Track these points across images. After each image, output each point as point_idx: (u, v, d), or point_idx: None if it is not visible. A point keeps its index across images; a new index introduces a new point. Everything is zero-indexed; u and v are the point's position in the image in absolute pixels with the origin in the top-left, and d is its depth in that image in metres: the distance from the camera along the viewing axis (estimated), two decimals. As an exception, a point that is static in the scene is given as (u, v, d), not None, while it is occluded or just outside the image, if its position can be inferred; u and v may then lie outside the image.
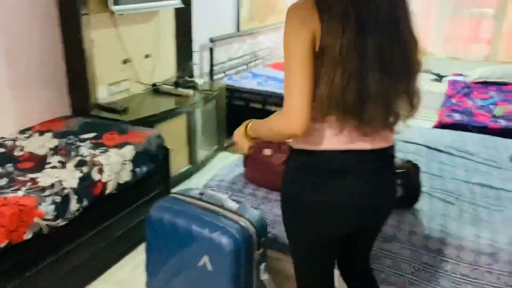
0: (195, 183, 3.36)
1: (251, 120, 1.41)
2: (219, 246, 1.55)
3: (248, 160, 2.32)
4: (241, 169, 2.39)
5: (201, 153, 3.53)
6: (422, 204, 2.07)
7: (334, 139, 1.21)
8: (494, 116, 3.43)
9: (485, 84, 4.28)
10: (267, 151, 2.17)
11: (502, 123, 3.27)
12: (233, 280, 1.59)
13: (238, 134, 1.44)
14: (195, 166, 3.45)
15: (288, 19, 1.17)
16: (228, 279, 1.58)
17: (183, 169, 3.30)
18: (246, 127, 1.40)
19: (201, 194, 1.76)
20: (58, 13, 2.66)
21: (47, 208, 1.87)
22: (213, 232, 1.56)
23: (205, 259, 1.61)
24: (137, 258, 2.43)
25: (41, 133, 2.50)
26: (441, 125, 3.36)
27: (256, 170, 2.23)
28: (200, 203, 1.70)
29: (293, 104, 1.15)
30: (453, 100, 3.89)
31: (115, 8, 2.80)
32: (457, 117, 3.45)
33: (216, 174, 2.38)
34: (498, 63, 5.35)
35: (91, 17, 2.73)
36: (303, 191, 1.26)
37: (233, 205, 1.68)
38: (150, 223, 1.71)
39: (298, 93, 1.14)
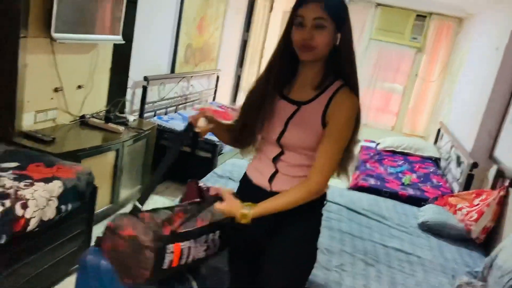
0: (115, 223, 3.21)
1: (247, 204, 1.33)
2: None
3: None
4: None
5: (123, 193, 3.40)
6: (346, 264, 2.21)
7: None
8: (403, 184, 3.79)
9: (393, 153, 4.74)
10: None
11: (410, 191, 3.63)
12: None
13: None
14: (116, 206, 3.31)
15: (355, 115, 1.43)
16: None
17: (103, 208, 3.15)
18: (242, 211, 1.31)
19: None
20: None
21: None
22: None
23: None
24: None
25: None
26: (357, 188, 3.63)
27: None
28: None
29: (325, 181, 1.37)
30: (368, 165, 4.24)
31: (56, 35, 2.70)
32: (371, 181, 3.76)
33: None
34: (402, 134, 5.96)
35: (29, 40, 2.60)
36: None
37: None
38: (84, 269, 1.61)
39: (331, 172, 1.38)
